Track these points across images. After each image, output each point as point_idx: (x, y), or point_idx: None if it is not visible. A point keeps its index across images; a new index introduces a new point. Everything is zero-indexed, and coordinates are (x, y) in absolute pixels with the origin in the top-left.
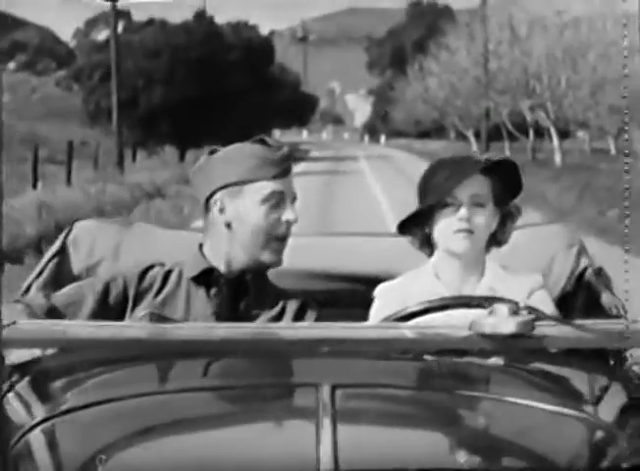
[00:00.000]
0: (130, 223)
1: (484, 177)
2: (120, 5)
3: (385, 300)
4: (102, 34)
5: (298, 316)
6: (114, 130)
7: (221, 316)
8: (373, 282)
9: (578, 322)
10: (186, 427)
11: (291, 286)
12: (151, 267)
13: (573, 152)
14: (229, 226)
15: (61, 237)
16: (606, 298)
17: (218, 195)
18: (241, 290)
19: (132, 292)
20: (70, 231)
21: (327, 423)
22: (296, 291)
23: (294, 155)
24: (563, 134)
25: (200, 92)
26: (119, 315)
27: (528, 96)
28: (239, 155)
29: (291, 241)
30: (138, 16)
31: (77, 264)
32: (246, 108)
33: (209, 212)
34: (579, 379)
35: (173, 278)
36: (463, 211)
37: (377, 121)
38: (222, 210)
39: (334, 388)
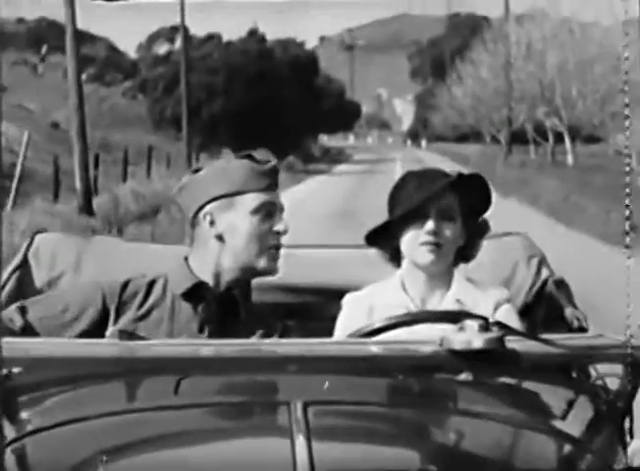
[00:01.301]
0: (90, 236)
1: (453, 191)
2: (179, 20)
3: (352, 310)
4: (163, 48)
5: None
6: (184, 136)
7: (207, 332)
8: (336, 294)
9: (547, 337)
10: (157, 445)
11: (259, 299)
12: (130, 280)
13: (598, 154)
14: (220, 238)
15: (22, 250)
16: (568, 311)
17: (207, 209)
18: (229, 309)
19: (113, 306)
20: (30, 243)
21: (302, 440)
22: (278, 312)
23: (340, 158)
24: (595, 139)
25: (254, 103)
26: (97, 329)
27: (544, 105)
28: (227, 168)
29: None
30: (195, 29)
31: (39, 277)
32: (295, 116)
33: (197, 226)
34: (547, 393)
35: (157, 289)
36: (430, 224)
37: (419, 126)
38: (212, 223)
39: (306, 405)
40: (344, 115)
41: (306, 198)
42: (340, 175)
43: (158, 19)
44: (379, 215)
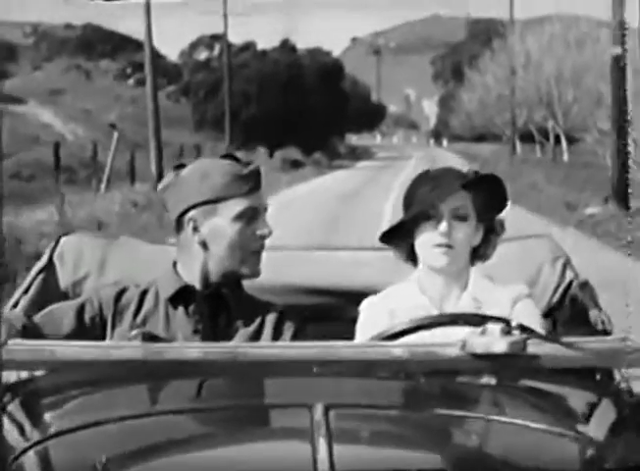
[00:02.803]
0: (114, 237)
1: (467, 191)
2: (218, 29)
3: (370, 314)
4: (202, 55)
5: (277, 329)
6: (226, 137)
7: (202, 333)
8: (354, 296)
9: (569, 340)
10: (178, 448)
11: (274, 301)
12: (125, 289)
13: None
14: (204, 245)
15: (47, 252)
16: (592, 313)
17: (191, 214)
18: (220, 306)
19: (109, 316)
20: (56, 245)
21: (323, 443)
22: (274, 303)
23: (365, 155)
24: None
25: (286, 108)
26: (96, 336)
27: (543, 109)
28: (209, 172)
29: (271, 255)
30: (231, 37)
31: (63, 279)
32: (322, 118)
33: (182, 231)
34: (570, 396)
35: (149, 298)
36: (444, 225)
37: (441, 127)
38: (196, 229)
39: (327, 408)
40: (369, 116)
41: (329, 186)
42: (359, 169)
43: (198, 26)
44: (379, 199)
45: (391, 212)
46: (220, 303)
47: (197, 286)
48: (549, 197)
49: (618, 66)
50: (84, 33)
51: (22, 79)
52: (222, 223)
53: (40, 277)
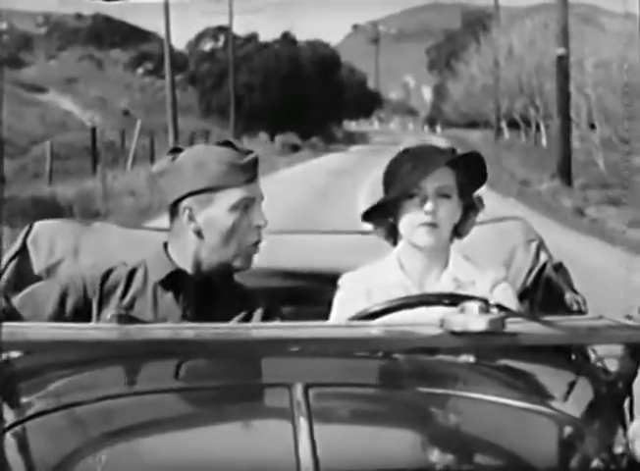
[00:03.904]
0: (89, 222)
1: (450, 168)
2: (222, 21)
3: (349, 291)
4: (207, 46)
5: (265, 321)
6: (231, 123)
7: (189, 318)
8: (332, 279)
9: (547, 319)
10: (158, 429)
11: (254, 284)
12: (112, 269)
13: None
14: (199, 234)
15: (20, 237)
16: (567, 294)
17: (186, 202)
18: (210, 293)
19: (95, 296)
20: (29, 230)
21: (303, 423)
22: (262, 292)
23: (361, 140)
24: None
25: (286, 97)
26: (79, 319)
27: (523, 98)
28: (206, 160)
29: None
30: (235, 28)
31: (37, 264)
32: (320, 105)
33: (176, 217)
34: (547, 375)
35: (138, 278)
36: (429, 204)
37: (434, 113)
38: (191, 217)
39: (307, 387)
40: (366, 103)
41: (321, 166)
42: (352, 153)
43: (203, 18)
44: (364, 176)
45: (371, 183)
46: (210, 291)
47: (189, 270)
48: (511, 176)
49: (562, 64)
50: (94, 24)
51: (39, 69)
52: (218, 213)
53: (14, 262)
